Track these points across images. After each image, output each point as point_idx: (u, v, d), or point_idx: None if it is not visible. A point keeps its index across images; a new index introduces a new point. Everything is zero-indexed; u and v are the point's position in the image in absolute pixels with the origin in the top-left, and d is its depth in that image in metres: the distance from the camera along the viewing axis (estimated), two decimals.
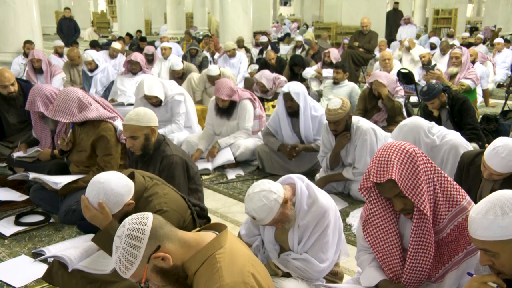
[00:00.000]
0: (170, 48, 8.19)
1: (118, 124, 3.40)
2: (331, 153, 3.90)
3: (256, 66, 8.39)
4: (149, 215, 1.55)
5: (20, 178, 3.57)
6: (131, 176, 2.30)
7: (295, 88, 4.24)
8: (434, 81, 6.07)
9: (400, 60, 8.73)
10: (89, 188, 2.15)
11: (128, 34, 12.89)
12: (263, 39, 11.28)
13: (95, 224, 2.20)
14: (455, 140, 3.32)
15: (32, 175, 3.32)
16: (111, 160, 3.29)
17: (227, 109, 4.63)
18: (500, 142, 2.51)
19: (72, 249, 2.54)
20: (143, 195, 2.28)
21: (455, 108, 4.23)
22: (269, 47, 10.52)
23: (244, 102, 4.67)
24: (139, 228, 1.49)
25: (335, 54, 7.30)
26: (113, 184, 2.14)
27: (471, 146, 3.43)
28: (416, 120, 3.37)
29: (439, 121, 4.25)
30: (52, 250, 2.86)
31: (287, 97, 4.24)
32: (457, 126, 4.16)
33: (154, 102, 4.81)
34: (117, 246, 1.49)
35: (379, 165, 1.86)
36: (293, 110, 4.29)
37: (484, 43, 13.03)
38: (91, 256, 2.41)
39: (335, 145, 3.84)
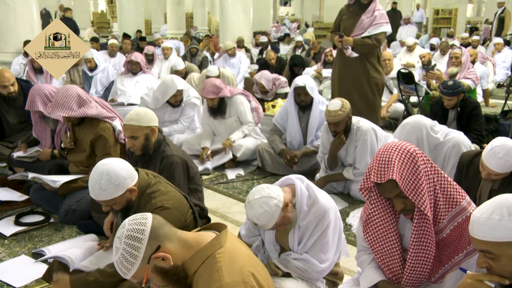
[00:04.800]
0: (171, 48, 8.19)
1: (117, 124, 3.40)
2: (327, 156, 3.89)
3: (256, 66, 8.39)
4: (149, 216, 1.55)
5: (19, 178, 3.57)
6: None
7: (309, 82, 4.22)
8: (434, 81, 6.09)
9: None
10: (93, 171, 2.17)
11: (125, 34, 12.89)
12: (263, 39, 11.27)
13: None
14: (458, 138, 3.33)
15: (31, 175, 3.32)
16: None
17: (217, 107, 4.62)
18: (497, 142, 2.52)
19: (73, 249, 2.55)
20: (145, 191, 2.29)
21: (465, 111, 4.21)
22: (269, 47, 10.52)
23: (237, 97, 4.66)
24: (138, 229, 1.49)
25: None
26: (116, 166, 2.16)
27: (473, 146, 3.44)
28: (418, 118, 3.37)
29: (444, 121, 4.24)
30: (52, 250, 2.86)
31: (302, 91, 4.20)
32: (462, 128, 4.15)
33: (178, 100, 4.82)
34: (117, 247, 1.49)
35: (380, 165, 1.86)
36: (305, 104, 4.27)
37: (484, 43, 13.04)
38: (92, 256, 2.42)
39: (330, 148, 3.82)
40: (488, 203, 1.46)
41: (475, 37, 10.85)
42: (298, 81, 4.25)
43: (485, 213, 1.43)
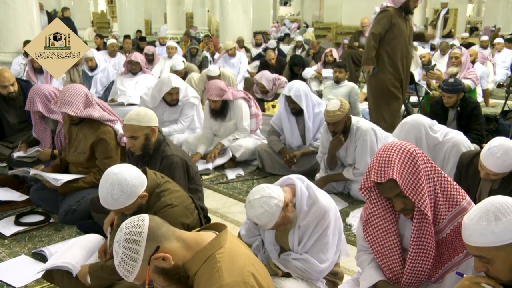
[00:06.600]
0: (176, 47, 8.21)
1: (119, 127, 3.39)
2: (327, 156, 3.89)
3: (256, 64, 8.38)
4: (145, 217, 1.55)
5: (20, 173, 3.57)
6: (143, 173, 2.31)
7: (296, 91, 4.19)
8: (434, 81, 6.09)
9: None
10: (103, 179, 2.15)
11: (126, 36, 12.89)
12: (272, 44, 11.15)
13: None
14: (458, 138, 3.33)
15: (32, 171, 3.33)
16: (111, 162, 3.26)
17: (219, 110, 4.61)
18: (495, 142, 2.53)
19: (73, 248, 2.53)
20: (155, 191, 2.29)
21: (465, 111, 4.20)
22: (276, 51, 10.36)
23: (238, 102, 4.65)
24: (136, 231, 1.49)
25: (336, 54, 7.35)
26: (126, 175, 2.14)
27: (472, 146, 3.44)
28: (417, 118, 3.37)
29: (444, 121, 4.24)
30: (52, 250, 2.86)
31: (289, 99, 4.23)
32: (462, 128, 4.15)
33: (175, 99, 4.82)
34: (117, 251, 1.49)
35: (380, 165, 1.86)
36: (296, 110, 4.29)
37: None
38: (92, 256, 2.41)
39: (329, 148, 3.83)
40: (476, 208, 1.47)
41: (484, 38, 10.83)
42: (286, 89, 4.26)
43: (473, 219, 1.45)
